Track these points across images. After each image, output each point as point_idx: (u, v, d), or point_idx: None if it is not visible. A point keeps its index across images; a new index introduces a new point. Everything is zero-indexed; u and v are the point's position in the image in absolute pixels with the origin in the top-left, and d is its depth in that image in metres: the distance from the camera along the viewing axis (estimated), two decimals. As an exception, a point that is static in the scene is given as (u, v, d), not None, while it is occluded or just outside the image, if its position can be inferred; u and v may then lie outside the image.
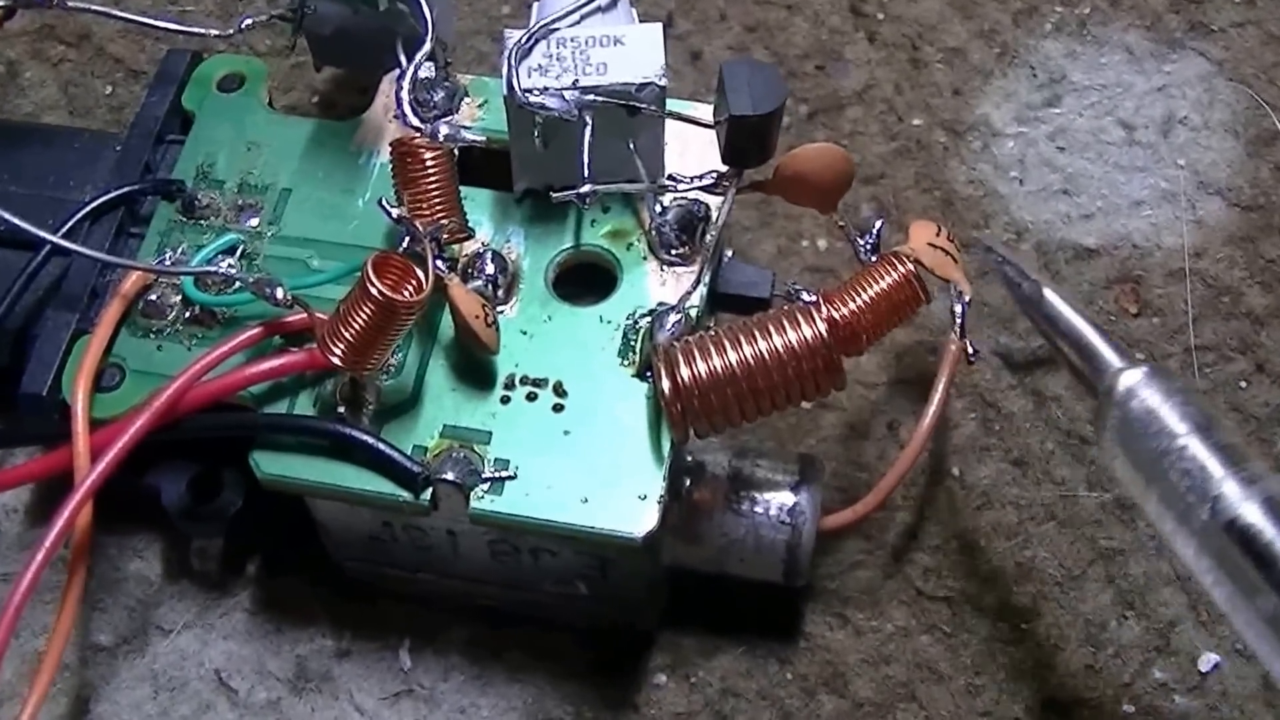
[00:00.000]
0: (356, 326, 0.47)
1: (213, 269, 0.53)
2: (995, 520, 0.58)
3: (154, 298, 0.54)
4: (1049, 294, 0.48)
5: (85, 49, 0.70)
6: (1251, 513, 0.42)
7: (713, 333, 0.49)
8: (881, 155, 0.66)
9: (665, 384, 0.48)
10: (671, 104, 0.53)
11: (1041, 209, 0.65)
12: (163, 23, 0.58)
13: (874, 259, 0.51)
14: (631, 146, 0.52)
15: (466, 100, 0.57)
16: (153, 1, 0.72)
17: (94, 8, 0.58)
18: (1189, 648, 0.56)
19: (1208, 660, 0.55)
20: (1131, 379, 0.46)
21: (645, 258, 0.54)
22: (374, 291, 0.47)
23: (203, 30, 0.59)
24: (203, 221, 0.56)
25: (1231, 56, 0.68)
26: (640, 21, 0.54)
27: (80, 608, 0.52)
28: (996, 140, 0.67)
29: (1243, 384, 0.61)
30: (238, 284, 0.52)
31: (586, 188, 0.50)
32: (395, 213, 0.50)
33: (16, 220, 0.51)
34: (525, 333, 0.52)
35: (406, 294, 0.48)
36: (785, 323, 0.48)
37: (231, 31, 0.58)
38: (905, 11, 0.70)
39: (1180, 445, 0.44)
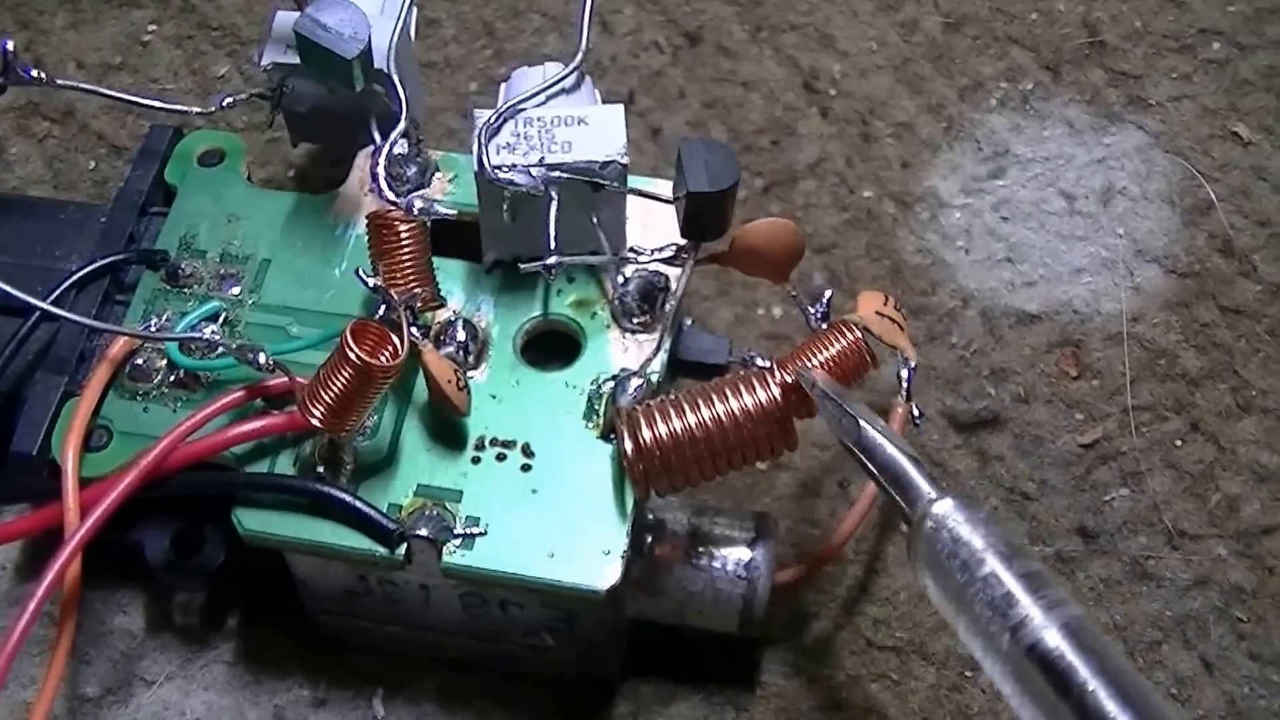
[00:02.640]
0: (336, 390, 0.49)
1: (197, 335, 0.54)
2: (942, 573, 0.60)
3: (140, 362, 0.55)
4: (866, 428, 0.48)
5: (69, 125, 0.72)
6: (1051, 638, 0.43)
7: (673, 397, 0.51)
8: (833, 226, 0.68)
9: (628, 445, 0.50)
10: (633, 180, 0.55)
11: (986, 277, 0.67)
12: (148, 101, 0.60)
13: (824, 327, 0.53)
14: (595, 220, 0.54)
15: (438, 175, 0.59)
16: (134, 80, 0.74)
17: (83, 86, 0.60)
18: (1127, 694, 0.57)
19: (1144, 706, 0.57)
20: (940, 509, 0.46)
21: (608, 326, 0.56)
22: (353, 357, 0.48)
23: (185, 108, 0.60)
24: (186, 290, 0.57)
25: (1168, 129, 0.71)
26: (602, 98, 0.56)
27: (69, 659, 0.52)
28: (944, 211, 0.69)
29: (1178, 442, 0.63)
30: (221, 349, 0.53)
31: (553, 260, 0.52)
32: (372, 282, 0.52)
33: (9, 288, 0.52)
34: (495, 396, 0.54)
35: (383, 360, 0.49)
36: (741, 387, 0.50)
37: (213, 109, 0.59)
38: (856, 88, 0.72)
39: (984, 574, 0.45)
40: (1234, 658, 0.58)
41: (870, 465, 0.49)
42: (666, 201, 0.54)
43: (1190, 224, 0.68)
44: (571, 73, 0.55)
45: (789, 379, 0.50)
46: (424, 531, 0.51)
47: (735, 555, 0.55)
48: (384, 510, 0.51)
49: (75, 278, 0.57)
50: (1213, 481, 0.62)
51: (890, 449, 0.48)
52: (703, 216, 0.52)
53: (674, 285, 0.56)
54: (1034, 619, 0.43)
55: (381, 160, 0.55)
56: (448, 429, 0.53)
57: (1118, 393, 0.64)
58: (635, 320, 0.55)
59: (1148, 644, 0.58)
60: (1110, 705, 0.41)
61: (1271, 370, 0.64)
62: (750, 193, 0.69)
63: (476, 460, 0.53)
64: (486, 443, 0.53)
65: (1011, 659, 0.43)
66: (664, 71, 0.73)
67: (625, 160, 0.53)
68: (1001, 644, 0.43)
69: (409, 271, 0.53)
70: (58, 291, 0.56)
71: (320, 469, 0.52)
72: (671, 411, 0.50)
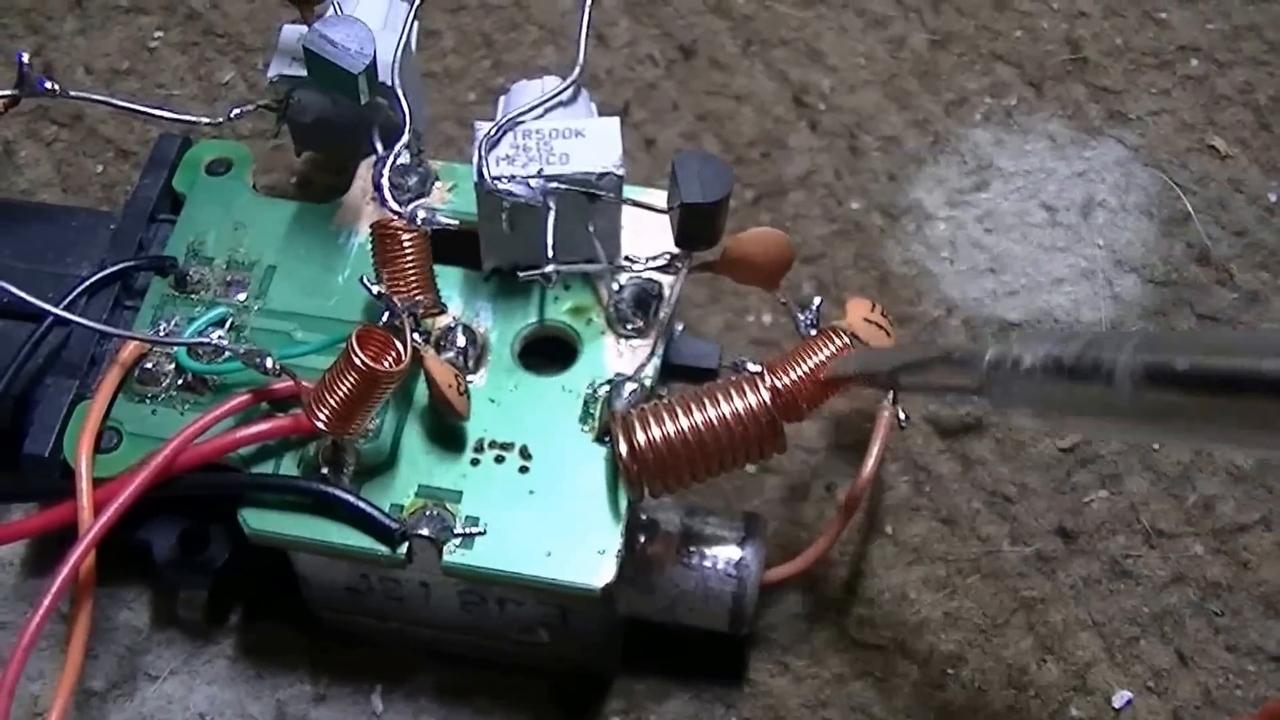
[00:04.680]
0: (341, 394, 0.50)
1: (205, 340, 0.55)
2: (925, 574, 0.61)
3: (149, 366, 0.56)
4: (892, 359, 0.48)
5: (78, 130, 0.73)
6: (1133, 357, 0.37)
7: (666, 401, 0.52)
8: (822, 236, 0.69)
9: (623, 448, 0.51)
10: (628, 190, 0.56)
11: (970, 287, 0.68)
12: (157, 111, 0.61)
13: (813, 333, 0.54)
14: (591, 229, 0.55)
15: (438, 184, 0.60)
16: (141, 85, 0.75)
17: (94, 97, 0.61)
18: (1104, 687, 0.59)
19: (1121, 697, 0.58)
20: (999, 349, 0.42)
21: (604, 332, 0.57)
22: (358, 362, 0.50)
23: (194, 118, 0.61)
24: (194, 295, 0.58)
25: (1147, 143, 0.72)
26: (598, 110, 0.57)
27: (85, 651, 0.53)
28: (929, 223, 0.70)
29: (1155, 446, 0.64)
30: (228, 353, 0.54)
31: (550, 267, 0.53)
32: (376, 289, 0.53)
33: (23, 294, 0.53)
34: (494, 400, 0.55)
35: (387, 365, 0.51)
36: (732, 392, 0.51)
37: (221, 120, 0.60)
38: (845, 102, 0.73)
39: (1059, 353, 0.39)
40: (1210, 650, 0.59)
41: (923, 379, 0.47)
42: (661, 211, 0.55)
43: (1168, 234, 0.69)
44: (569, 86, 0.56)
45: (778, 384, 0.52)
46: (425, 531, 0.52)
47: (726, 554, 0.56)
48: (386, 510, 0.52)
49: (87, 284, 0.58)
50: (1190, 482, 0.63)
51: (927, 354, 0.48)
52: (696, 226, 0.53)
53: (668, 293, 0.57)
54: (1124, 349, 0.37)
55: (385, 171, 0.56)
56: (448, 431, 0.54)
57: (1097, 399, 0.64)
58: (630, 326, 0.57)
59: (1125, 639, 0.60)
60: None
61: (1247, 376, 0.65)
62: (741, 204, 0.70)
63: (476, 462, 0.54)
64: (485, 445, 0.54)
65: (1131, 402, 0.37)
66: (658, 84, 0.74)
67: (621, 171, 0.54)
68: (1122, 390, 0.37)
69: (411, 279, 0.54)
70: (70, 297, 0.57)
71: (324, 470, 0.53)
72: (665, 415, 0.51)
